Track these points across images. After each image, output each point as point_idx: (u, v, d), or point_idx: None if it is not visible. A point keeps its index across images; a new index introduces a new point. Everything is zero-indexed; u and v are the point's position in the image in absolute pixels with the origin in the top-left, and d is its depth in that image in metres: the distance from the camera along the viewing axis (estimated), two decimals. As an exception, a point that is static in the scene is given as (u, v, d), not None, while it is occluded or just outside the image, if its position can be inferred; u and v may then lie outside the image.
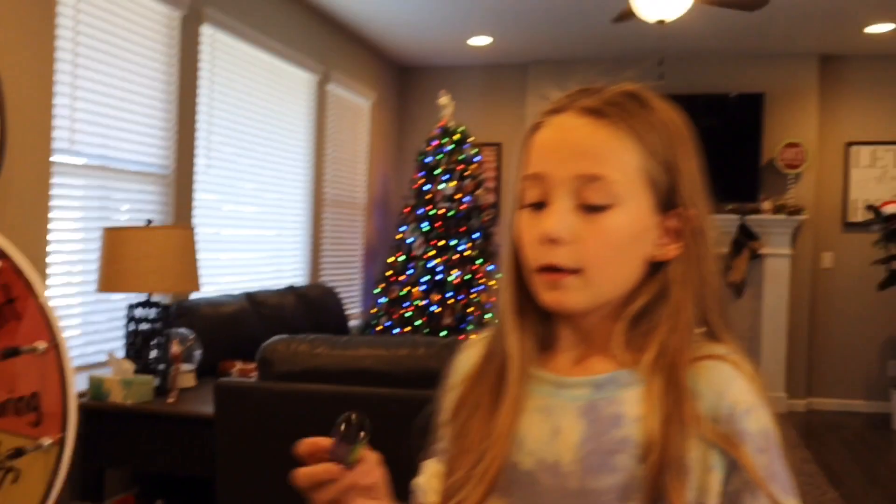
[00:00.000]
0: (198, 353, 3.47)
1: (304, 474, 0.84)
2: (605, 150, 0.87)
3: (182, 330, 3.48)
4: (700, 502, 0.84)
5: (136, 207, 3.78)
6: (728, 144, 6.33)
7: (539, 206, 0.89)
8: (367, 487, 0.87)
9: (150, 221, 3.32)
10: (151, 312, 3.22)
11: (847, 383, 6.42)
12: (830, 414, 6.29)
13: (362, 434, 0.84)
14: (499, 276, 0.98)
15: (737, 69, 6.41)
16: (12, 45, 2.94)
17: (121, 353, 3.23)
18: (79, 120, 3.35)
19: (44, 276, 3.13)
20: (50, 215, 3.15)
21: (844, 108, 6.43)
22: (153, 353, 3.20)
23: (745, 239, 6.22)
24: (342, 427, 0.84)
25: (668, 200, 0.90)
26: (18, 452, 0.80)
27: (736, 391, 0.87)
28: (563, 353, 0.93)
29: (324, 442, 0.85)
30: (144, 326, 3.21)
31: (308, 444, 0.85)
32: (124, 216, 3.71)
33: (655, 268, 0.90)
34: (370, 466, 0.87)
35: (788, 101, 6.38)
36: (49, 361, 0.82)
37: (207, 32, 4.25)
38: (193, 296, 3.97)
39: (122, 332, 3.31)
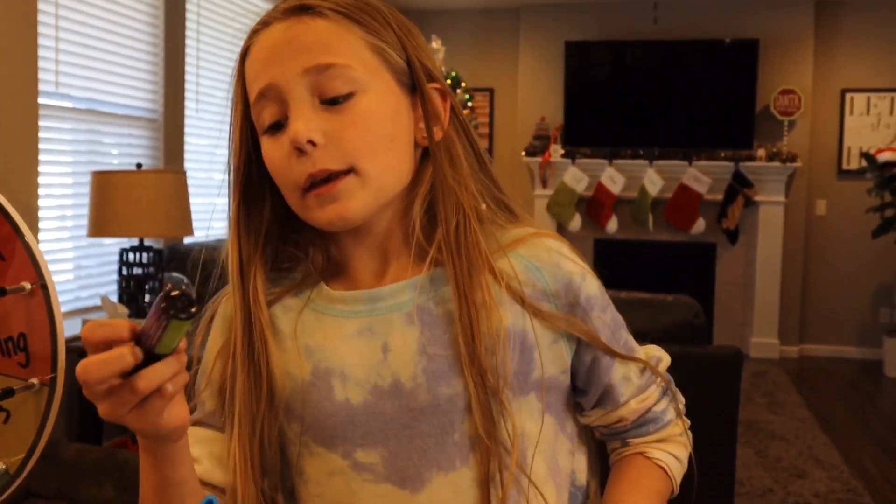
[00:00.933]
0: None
1: (84, 363, 0.67)
2: (328, 37, 0.81)
3: (175, 274, 3.46)
4: (551, 375, 0.85)
5: (125, 152, 3.73)
6: (722, 91, 6.29)
7: (278, 125, 0.82)
8: (172, 399, 0.68)
9: (140, 165, 3.28)
10: (144, 257, 3.20)
11: (839, 330, 6.47)
12: (822, 360, 6.35)
13: (192, 310, 0.60)
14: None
15: (731, 15, 6.33)
16: (-5, -17, 2.86)
17: (114, 298, 3.22)
18: (64, 62, 3.29)
19: (35, 221, 3.10)
20: (39, 158, 3.10)
21: (840, 55, 6.36)
22: (147, 298, 3.19)
23: (738, 186, 6.21)
24: (164, 298, 0.60)
25: (410, 82, 0.85)
26: (7, 392, 0.79)
27: (567, 262, 0.87)
28: (360, 272, 0.87)
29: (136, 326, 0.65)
30: (137, 271, 3.20)
31: (112, 326, 0.65)
32: (114, 160, 3.67)
33: (425, 156, 0.86)
34: (182, 366, 0.67)
35: (783, 47, 6.31)
36: (37, 302, 0.80)
37: (196, -28, 4.16)
38: (186, 240, 3.95)
39: (115, 277, 3.30)
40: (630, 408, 0.92)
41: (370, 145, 0.81)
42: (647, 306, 2.36)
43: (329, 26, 0.81)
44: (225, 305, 0.92)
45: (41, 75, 3.11)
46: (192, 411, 0.87)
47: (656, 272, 6.41)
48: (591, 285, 0.88)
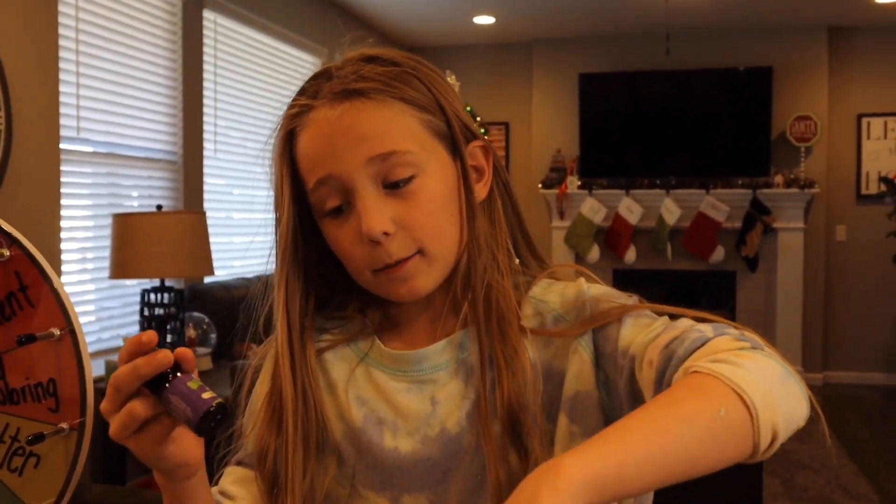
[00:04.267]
0: (213, 337, 3.48)
1: (116, 372, 0.72)
2: (382, 124, 0.82)
3: (196, 314, 3.49)
4: (577, 391, 0.84)
5: (145, 194, 3.78)
6: (738, 119, 6.29)
7: (340, 209, 0.84)
8: (172, 431, 0.75)
9: (160, 207, 3.32)
10: (165, 297, 3.22)
11: (863, 356, 6.39)
12: (847, 387, 6.28)
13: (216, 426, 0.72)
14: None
15: (744, 43, 6.35)
16: (15, 34, 2.93)
17: (135, 340, 3.24)
18: (85, 108, 3.34)
19: (57, 263, 3.14)
20: (61, 203, 3.15)
21: (855, 80, 6.36)
22: (168, 338, 3.21)
23: (757, 213, 6.19)
24: (206, 414, 0.70)
25: (454, 143, 0.87)
26: (38, 437, 0.80)
27: (572, 284, 0.89)
28: (409, 328, 0.91)
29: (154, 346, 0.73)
30: (159, 311, 3.22)
31: (146, 354, 0.71)
32: (134, 203, 3.71)
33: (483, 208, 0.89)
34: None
35: (798, 73, 6.32)
36: (65, 347, 0.82)
37: (209, 17, 4.23)
38: (207, 279, 3.97)
39: (136, 318, 3.32)
40: (652, 346, 0.79)
41: (435, 227, 0.84)
42: (669, 337, 2.35)
43: (380, 111, 0.83)
44: (273, 353, 0.93)
45: (63, 121, 3.17)
46: (236, 451, 0.92)
47: (676, 302, 6.34)
48: (597, 288, 0.89)
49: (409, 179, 0.83)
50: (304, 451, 0.86)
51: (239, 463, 0.92)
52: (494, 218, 0.89)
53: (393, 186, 0.83)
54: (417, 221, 0.83)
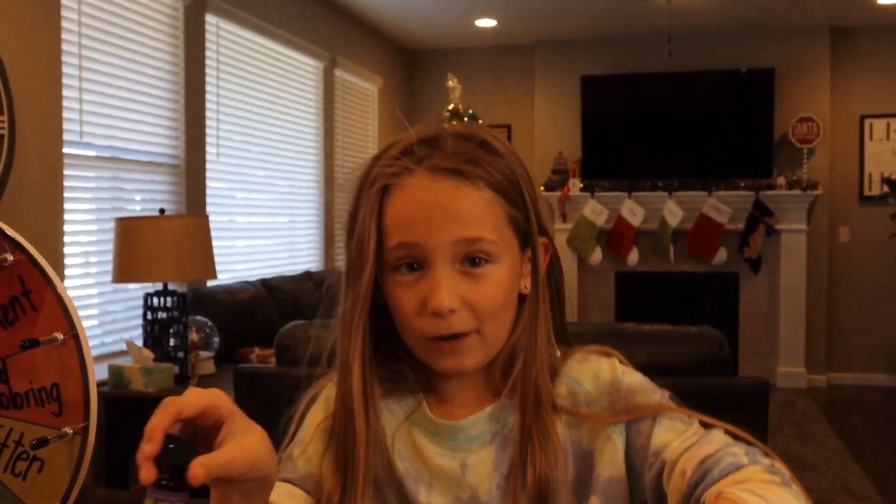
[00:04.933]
0: (216, 340, 3.48)
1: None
2: (476, 211, 0.87)
3: (199, 318, 3.49)
4: (609, 476, 0.90)
5: (148, 198, 3.78)
6: (740, 120, 6.29)
7: (412, 271, 0.88)
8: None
9: (162, 211, 3.32)
10: (168, 301, 3.22)
11: (867, 357, 6.39)
12: (851, 388, 6.27)
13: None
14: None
15: (746, 44, 6.35)
16: (18, 39, 2.93)
17: (139, 342, 3.25)
18: (87, 112, 3.35)
19: (61, 268, 3.14)
20: (64, 207, 3.16)
21: (858, 81, 6.36)
22: (172, 342, 3.22)
23: (759, 215, 6.19)
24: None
25: (526, 236, 0.93)
26: (42, 442, 0.80)
27: (606, 367, 0.94)
28: (448, 396, 0.96)
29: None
30: (162, 315, 3.23)
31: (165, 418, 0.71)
32: (137, 206, 3.72)
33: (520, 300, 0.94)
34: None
35: (800, 75, 6.32)
36: (68, 351, 0.82)
37: (212, 21, 4.24)
38: (209, 283, 3.98)
39: (139, 322, 3.33)
40: (686, 456, 0.84)
41: (495, 311, 0.89)
42: (671, 338, 2.35)
43: (481, 200, 0.88)
44: (329, 390, 0.98)
45: (66, 125, 3.18)
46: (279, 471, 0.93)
47: (679, 303, 6.38)
48: (632, 377, 0.93)
49: (485, 264, 0.88)
50: (373, 491, 0.92)
51: (286, 481, 0.94)
52: (541, 309, 0.94)
53: (470, 265, 0.88)
54: (482, 304, 0.88)
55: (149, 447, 0.69)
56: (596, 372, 0.94)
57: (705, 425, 0.90)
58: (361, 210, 0.90)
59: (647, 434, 0.88)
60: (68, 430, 0.82)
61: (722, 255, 6.25)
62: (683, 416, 0.89)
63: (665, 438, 0.87)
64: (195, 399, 0.71)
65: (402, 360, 0.97)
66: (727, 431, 0.88)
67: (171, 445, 0.69)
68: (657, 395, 0.91)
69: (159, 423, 0.69)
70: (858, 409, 5.69)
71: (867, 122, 6.34)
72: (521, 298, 0.94)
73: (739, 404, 2.28)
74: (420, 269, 0.88)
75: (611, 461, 0.91)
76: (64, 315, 0.84)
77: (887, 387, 6.25)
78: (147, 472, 0.68)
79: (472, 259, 0.88)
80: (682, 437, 0.86)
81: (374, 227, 0.89)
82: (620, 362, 0.95)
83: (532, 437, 0.90)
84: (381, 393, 0.95)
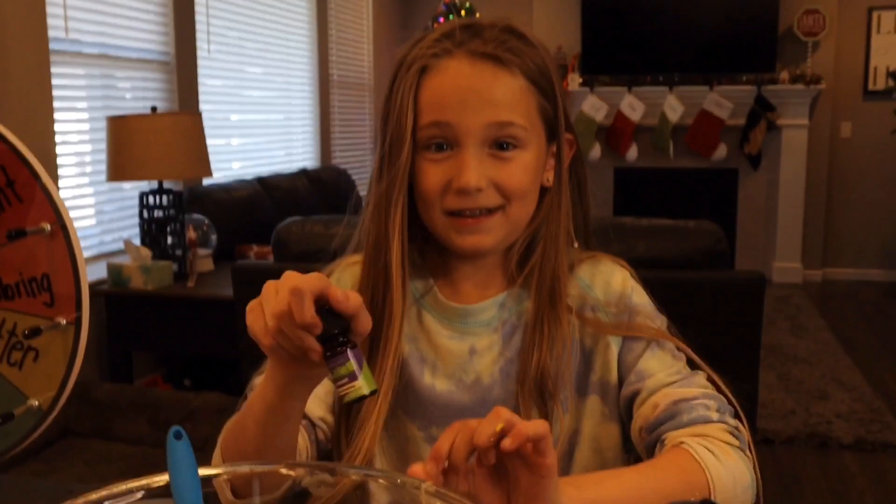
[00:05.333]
0: (213, 238, 3.49)
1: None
2: (510, 96, 0.90)
3: (196, 216, 3.49)
4: (605, 380, 0.96)
5: (140, 96, 3.72)
6: (744, 13, 6.14)
7: (441, 150, 0.91)
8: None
9: (154, 108, 3.27)
10: (164, 199, 3.21)
11: (863, 253, 6.42)
12: (846, 284, 6.33)
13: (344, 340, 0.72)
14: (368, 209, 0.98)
15: (755, -69, 6.14)
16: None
17: (137, 241, 3.25)
18: (72, 7, 3.26)
19: (54, 168, 3.12)
20: (54, 106, 3.10)
21: (867, -30, 6.18)
22: (169, 240, 3.22)
23: (761, 110, 6.11)
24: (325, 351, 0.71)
25: (553, 129, 0.95)
26: (35, 332, 0.80)
27: (619, 278, 0.98)
28: (461, 282, 0.98)
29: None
30: (158, 214, 3.22)
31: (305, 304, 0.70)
32: (129, 104, 3.66)
33: (542, 193, 0.97)
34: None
35: (808, -36, 6.13)
36: (58, 244, 0.81)
37: None
38: (206, 182, 3.96)
39: (136, 221, 3.32)
40: (664, 391, 0.91)
41: (522, 192, 0.93)
42: (669, 233, 2.35)
43: (516, 86, 0.91)
44: (341, 273, 1.02)
45: (50, 21, 3.09)
46: None
47: (677, 199, 6.37)
48: (639, 296, 0.98)
49: (514, 148, 0.91)
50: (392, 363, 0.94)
51: None
52: (563, 203, 0.97)
53: (498, 148, 0.90)
54: (508, 184, 0.91)
55: (310, 340, 0.71)
56: (607, 280, 0.97)
57: (693, 365, 0.96)
58: (399, 90, 0.92)
59: (637, 354, 0.94)
60: (61, 320, 0.83)
61: (722, 150, 6.21)
62: (674, 350, 0.95)
63: (651, 365, 0.93)
64: (316, 280, 0.71)
65: (413, 244, 0.99)
66: (710, 380, 0.93)
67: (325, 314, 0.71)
68: (657, 320, 0.97)
69: (308, 311, 0.69)
70: (852, 303, 5.75)
71: (875, 13, 6.19)
72: (544, 193, 0.97)
73: (735, 298, 2.29)
74: (450, 150, 0.91)
75: (605, 365, 0.96)
76: (52, 207, 0.84)
77: (882, 282, 6.31)
78: (317, 348, 0.71)
79: (501, 143, 0.90)
80: (667, 372, 0.92)
81: (412, 106, 0.91)
82: (632, 276, 0.99)
83: (542, 325, 0.93)
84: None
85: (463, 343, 0.96)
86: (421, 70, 0.91)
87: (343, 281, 1.00)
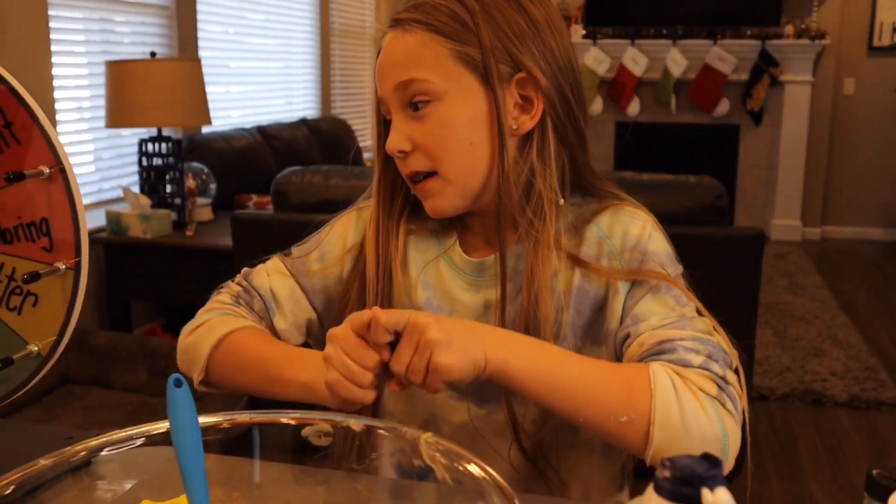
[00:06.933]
0: (213, 187, 3.47)
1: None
2: (407, 54, 0.91)
3: (195, 164, 3.47)
4: (615, 328, 0.94)
5: (139, 41, 3.67)
6: (751, -35, 6.04)
7: (388, 124, 0.96)
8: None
9: (153, 54, 3.23)
10: (163, 147, 3.19)
11: (864, 212, 6.41)
12: (845, 242, 6.32)
13: None
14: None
15: None
16: None
17: (136, 189, 3.24)
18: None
19: (52, 113, 3.09)
20: (51, 49, 3.06)
21: (877, -77, 6.07)
22: (168, 188, 3.20)
23: (764, 65, 6.05)
24: None
25: (486, 74, 0.91)
26: (34, 276, 0.80)
27: (638, 225, 0.95)
28: (474, 236, 1.01)
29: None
30: (157, 162, 3.20)
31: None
32: (127, 49, 3.62)
33: (529, 140, 0.94)
34: None
35: (817, -84, 6.03)
36: (57, 188, 0.80)
37: None
38: (205, 130, 3.93)
39: (135, 168, 3.30)
40: (652, 332, 0.88)
41: (447, 151, 0.92)
42: (670, 188, 2.33)
43: (414, 42, 0.91)
44: (365, 212, 1.06)
45: (48, -38, 3.04)
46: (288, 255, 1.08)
47: (678, 154, 6.34)
48: (657, 244, 0.95)
49: (426, 104, 0.91)
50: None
51: (296, 282, 1.05)
52: (544, 153, 0.94)
53: (413, 109, 0.92)
54: (429, 142, 0.92)
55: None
56: (626, 229, 0.95)
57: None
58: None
59: (637, 298, 0.92)
60: (60, 265, 0.82)
61: (724, 106, 6.16)
62: (680, 296, 0.91)
63: (649, 308, 0.90)
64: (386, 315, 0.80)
65: None
66: (715, 331, 0.90)
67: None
68: (669, 268, 0.94)
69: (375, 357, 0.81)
70: (851, 262, 5.76)
71: (883, -32, 6.10)
72: (526, 140, 0.95)
73: (734, 254, 2.29)
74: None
75: (615, 313, 0.94)
76: (50, 150, 0.82)
77: (881, 241, 6.31)
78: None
79: (414, 103, 0.92)
80: (662, 316, 0.89)
81: (375, 86, 0.98)
82: (653, 224, 0.97)
83: (527, 274, 0.93)
84: (416, 228, 1.02)
85: (478, 296, 0.98)
86: (378, 52, 0.97)
87: (362, 217, 1.05)
